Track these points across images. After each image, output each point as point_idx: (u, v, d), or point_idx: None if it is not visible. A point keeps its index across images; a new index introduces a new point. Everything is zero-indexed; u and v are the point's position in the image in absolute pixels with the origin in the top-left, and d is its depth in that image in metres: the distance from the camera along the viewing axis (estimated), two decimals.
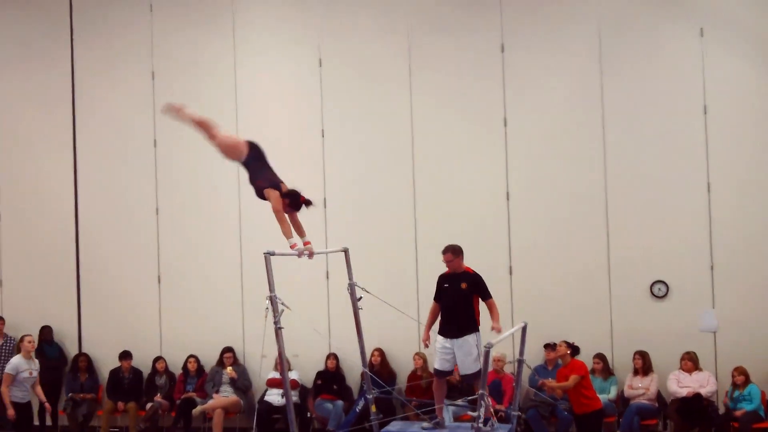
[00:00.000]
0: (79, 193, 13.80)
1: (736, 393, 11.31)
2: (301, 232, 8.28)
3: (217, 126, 8.52)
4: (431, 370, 10.28)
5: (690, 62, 11.98)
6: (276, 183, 8.19)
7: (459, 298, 9.14)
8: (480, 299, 9.19)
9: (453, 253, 9.26)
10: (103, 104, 13.73)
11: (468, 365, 9.11)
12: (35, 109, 13.96)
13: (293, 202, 8.12)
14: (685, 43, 12.02)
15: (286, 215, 8.10)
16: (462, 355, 9.09)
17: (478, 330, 9.13)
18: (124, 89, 13.67)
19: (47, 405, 11.47)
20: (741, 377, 11.27)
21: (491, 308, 9.15)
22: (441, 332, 9.24)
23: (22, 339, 11.35)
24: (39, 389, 11.30)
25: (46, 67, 13.91)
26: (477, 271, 9.32)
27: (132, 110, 13.62)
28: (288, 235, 8.03)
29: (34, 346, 11.53)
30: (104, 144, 13.73)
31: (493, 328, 8.97)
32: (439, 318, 9.34)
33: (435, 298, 9.42)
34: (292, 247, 8.11)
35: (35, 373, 11.20)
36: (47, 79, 13.91)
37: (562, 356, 10.08)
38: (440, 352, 9.26)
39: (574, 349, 10.06)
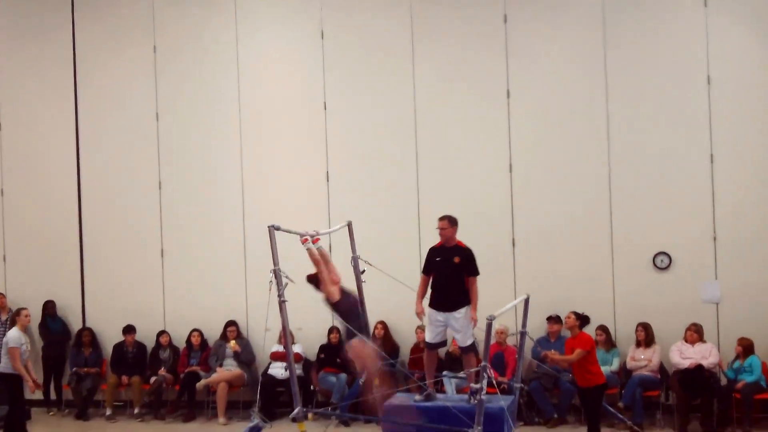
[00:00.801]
0: (81, 167, 13.79)
1: (737, 364, 11.34)
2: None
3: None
4: None
5: (694, 33, 11.91)
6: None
7: (451, 273, 9.10)
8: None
9: (449, 221, 9.20)
10: (104, 78, 13.70)
11: (464, 338, 9.13)
12: (37, 83, 13.93)
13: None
14: (689, 14, 11.95)
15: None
16: (458, 327, 9.09)
17: (470, 303, 9.14)
18: (126, 63, 13.62)
19: (31, 385, 11.20)
20: (740, 348, 11.29)
21: (472, 286, 9.09)
22: (433, 305, 9.21)
23: (18, 312, 11.35)
24: (30, 365, 11.35)
25: (48, 42, 13.85)
26: (469, 246, 9.27)
27: (134, 84, 13.58)
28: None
29: (30, 320, 11.55)
30: (106, 118, 13.70)
31: (471, 319, 9.00)
32: (430, 291, 9.34)
33: (424, 271, 9.35)
34: (303, 241, 8.46)
35: (29, 346, 11.29)
36: (49, 53, 13.86)
37: (570, 327, 10.04)
38: (432, 325, 9.26)
39: (583, 320, 10.01)
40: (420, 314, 9.36)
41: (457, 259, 9.09)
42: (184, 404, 12.93)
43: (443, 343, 9.47)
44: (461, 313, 9.06)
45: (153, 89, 13.47)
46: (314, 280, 8.66)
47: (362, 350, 8.59)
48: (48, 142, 13.88)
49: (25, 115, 13.97)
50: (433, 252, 9.33)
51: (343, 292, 8.71)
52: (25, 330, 11.28)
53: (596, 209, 12.16)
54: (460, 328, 9.09)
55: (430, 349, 9.43)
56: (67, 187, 13.78)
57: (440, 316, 9.15)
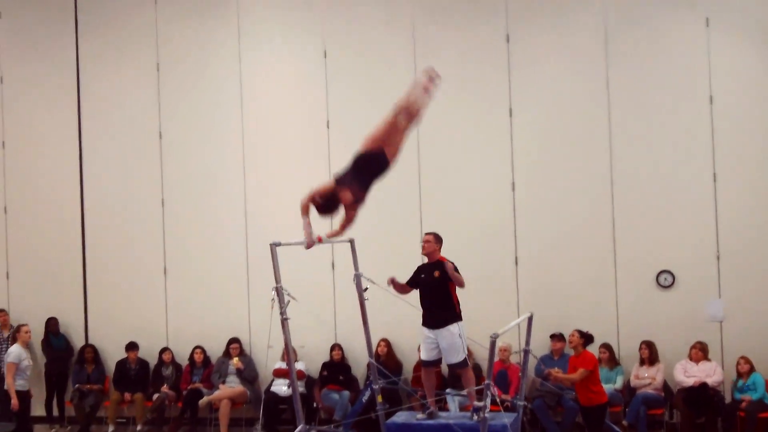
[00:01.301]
0: (84, 184, 13.80)
1: (740, 382, 11.31)
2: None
3: None
4: None
5: (696, 52, 11.94)
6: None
7: (434, 287, 9.15)
8: (457, 287, 9.19)
9: (435, 237, 9.28)
10: (108, 96, 13.73)
11: (452, 355, 9.12)
12: (40, 101, 13.96)
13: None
14: (691, 33, 11.98)
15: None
16: (446, 345, 9.09)
17: (460, 319, 9.14)
18: (129, 80, 13.66)
19: (14, 403, 11.01)
20: (745, 366, 11.27)
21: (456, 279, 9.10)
22: (424, 323, 9.26)
23: (18, 329, 11.39)
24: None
25: (51, 59, 13.90)
26: (453, 261, 9.27)
27: (137, 102, 13.62)
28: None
29: (31, 336, 11.57)
30: (109, 136, 13.73)
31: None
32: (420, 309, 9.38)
33: (407, 283, 9.41)
34: (309, 246, 8.31)
35: (30, 362, 11.30)
36: (52, 70, 13.90)
37: (575, 346, 10.01)
38: (425, 343, 9.29)
39: (587, 339, 9.97)
40: (389, 281, 9.31)
41: (437, 273, 9.14)
42: (187, 421, 12.89)
43: (439, 361, 9.46)
44: (450, 331, 9.07)
45: (156, 106, 13.51)
46: (327, 203, 8.35)
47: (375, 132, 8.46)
48: (51, 159, 13.91)
49: (29, 132, 14.00)
50: (419, 270, 9.42)
51: (342, 186, 8.41)
52: (27, 346, 11.29)
53: (599, 227, 12.15)
54: (448, 346, 9.09)
55: (427, 367, 9.44)
56: (71, 205, 13.79)
57: (431, 334, 9.19)
